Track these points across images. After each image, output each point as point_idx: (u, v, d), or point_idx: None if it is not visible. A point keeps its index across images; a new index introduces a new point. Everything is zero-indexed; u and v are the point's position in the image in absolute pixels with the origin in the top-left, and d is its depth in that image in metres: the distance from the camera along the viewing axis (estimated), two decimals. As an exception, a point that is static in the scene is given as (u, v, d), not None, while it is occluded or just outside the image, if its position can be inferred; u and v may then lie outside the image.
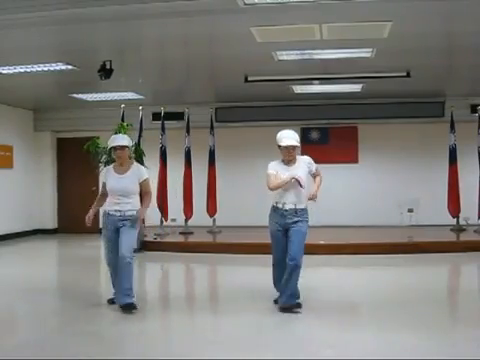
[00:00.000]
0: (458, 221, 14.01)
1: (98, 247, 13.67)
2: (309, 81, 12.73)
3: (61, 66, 10.81)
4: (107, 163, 12.78)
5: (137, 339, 6.23)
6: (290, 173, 7.07)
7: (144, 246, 13.07)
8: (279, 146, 7.19)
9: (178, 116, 15.35)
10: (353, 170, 15.88)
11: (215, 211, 14.58)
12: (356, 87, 13.44)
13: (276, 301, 7.35)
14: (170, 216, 14.43)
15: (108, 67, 10.42)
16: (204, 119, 14.83)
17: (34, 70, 11.00)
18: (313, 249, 11.73)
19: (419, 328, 6.32)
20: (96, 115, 16.03)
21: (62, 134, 17.30)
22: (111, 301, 7.58)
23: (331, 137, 16.09)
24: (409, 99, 14.76)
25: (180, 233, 13.85)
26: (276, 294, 7.42)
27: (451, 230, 13.89)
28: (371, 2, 7.38)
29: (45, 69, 10.96)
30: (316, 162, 7.34)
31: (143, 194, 7.64)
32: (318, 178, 7.42)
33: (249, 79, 12.07)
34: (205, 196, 14.59)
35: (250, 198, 14.70)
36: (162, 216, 14.31)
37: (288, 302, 7.06)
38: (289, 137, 7.16)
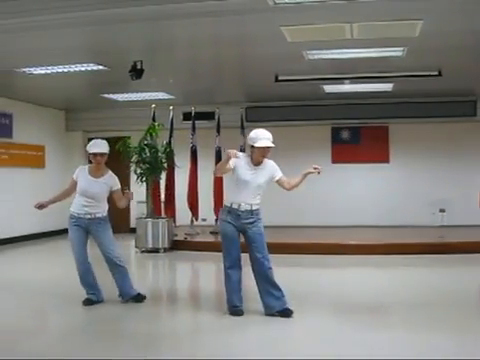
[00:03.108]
0: (490, 221, 13.90)
1: (127, 247, 13.77)
2: (340, 80, 12.69)
3: (92, 66, 10.91)
4: (138, 163, 12.90)
5: (166, 338, 6.24)
6: (255, 176, 6.82)
7: (174, 245, 13.13)
8: (252, 146, 6.84)
9: (209, 116, 15.38)
10: (384, 170, 15.78)
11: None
12: (387, 86, 13.36)
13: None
14: (201, 216, 14.48)
15: (139, 67, 10.50)
16: (234, 119, 14.83)
17: (66, 70, 11.11)
18: (344, 249, 11.77)
19: (450, 329, 6.26)
20: (127, 115, 16.12)
21: (93, 134, 17.36)
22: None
23: (362, 137, 16.01)
24: (440, 98, 14.64)
25: (210, 233, 13.87)
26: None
27: (483, 230, 13.78)
28: (402, 1, 7.34)
29: (77, 69, 11.08)
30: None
31: (119, 207, 7.80)
32: (291, 181, 7.01)
33: (279, 79, 12.06)
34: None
35: (279, 198, 14.64)
36: (192, 216, 14.37)
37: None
38: (265, 138, 6.79)
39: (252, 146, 6.83)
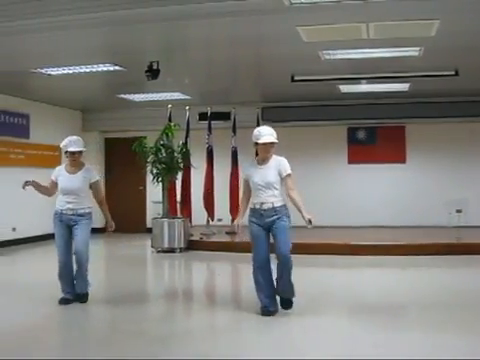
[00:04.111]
0: (508, 222, 13.81)
1: (143, 246, 13.83)
2: (356, 80, 12.65)
3: (109, 67, 10.95)
4: (154, 163, 12.93)
5: (179, 338, 6.23)
6: (261, 175, 6.89)
7: (190, 245, 13.14)
8: (256, 143, 6.93)
9: (224, 116, 15.37)
10: (400, 170, 15.72)
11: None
12: (403, 86, 13.31)
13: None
14: (216, 216, 14.49)
15: (155, 68, 10.52)
16: (250, 119, 14.79)
17: (83, 71, 11.16)
18: (359, 250, 11.73)
19: (462, 330, 6.22)
20: (143, 115, 16.16)
21: (110, 134, 17.50)
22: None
23: (378, 137, 15.97)
24: (457, 98, 14.54)
25: (226, 233, 13.87)
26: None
27: (501, 231, 13.68)
28: (418, 0, 7.31)
29: (94, 70, 11.11)
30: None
31: (98, 201, 7.91)
32: (295, 195, 6.96)
33: (295, 79, 12.04)
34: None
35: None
36: (208, 216, 14.38)
37: None
38: (268, 134, 6.88)
39: (256, 143, 6.93)
